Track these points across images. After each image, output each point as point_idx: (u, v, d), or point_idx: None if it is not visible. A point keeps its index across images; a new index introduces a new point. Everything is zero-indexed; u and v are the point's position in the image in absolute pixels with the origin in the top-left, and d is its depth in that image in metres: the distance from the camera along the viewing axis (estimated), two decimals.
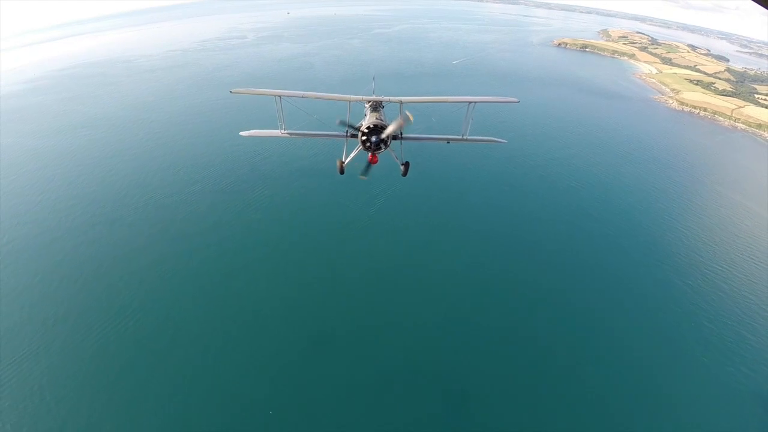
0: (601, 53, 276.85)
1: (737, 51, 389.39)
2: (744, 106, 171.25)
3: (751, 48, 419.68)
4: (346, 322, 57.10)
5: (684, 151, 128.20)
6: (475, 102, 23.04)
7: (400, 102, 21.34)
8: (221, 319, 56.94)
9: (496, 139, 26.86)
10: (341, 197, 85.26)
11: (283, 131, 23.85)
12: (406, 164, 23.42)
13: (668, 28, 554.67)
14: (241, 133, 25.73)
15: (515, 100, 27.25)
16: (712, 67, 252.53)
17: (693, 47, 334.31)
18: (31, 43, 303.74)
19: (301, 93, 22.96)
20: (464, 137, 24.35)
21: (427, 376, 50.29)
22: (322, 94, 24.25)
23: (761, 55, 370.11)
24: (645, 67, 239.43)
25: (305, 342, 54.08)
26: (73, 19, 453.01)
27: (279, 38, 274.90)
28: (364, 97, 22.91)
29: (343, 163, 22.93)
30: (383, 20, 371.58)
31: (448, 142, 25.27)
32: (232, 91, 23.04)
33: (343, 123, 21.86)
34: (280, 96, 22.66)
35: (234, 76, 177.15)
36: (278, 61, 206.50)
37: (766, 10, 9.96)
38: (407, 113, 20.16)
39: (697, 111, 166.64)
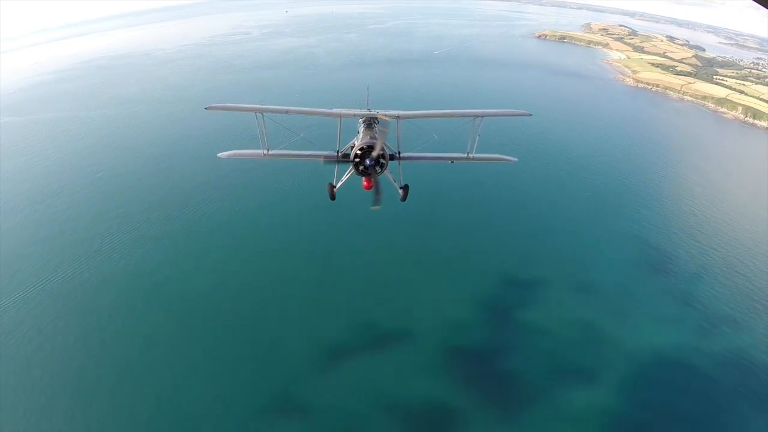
0: (578, 43, 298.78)
1: (719, 43, 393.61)
2: (694, 83, 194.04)
3: (735, 40, 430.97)
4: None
5: (632, 118, 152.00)
6: (482, 116, 21.26)
7: (397, 117, 19.67)
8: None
9: (504, 157, 23.86)
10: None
11: (266, 152, 21.27)
12: (405, 187, 21.39)
13: (657, 22, 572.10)
14: (220, 155, 22.95)
15: (527, 113, 23.90)
16: (680, 53, 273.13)
17: (671, 38, 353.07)
18: (47, 41, 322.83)
19: (284, 108, 21.01)
20: (469, 156, 22.16)
21: None
22: (309, 109, 22.33)
23: (742, 46, 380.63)
24: (615, 55, 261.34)
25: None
26: (78, 20, 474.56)
27: (282, 33, 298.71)
28: (357, 113, 20.86)
29: (334, 187, 20.82)
30: (378, 17, 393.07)
31: (452, 162, 23.00)
32: (207, 107, 20.87)
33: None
34: (261, 112, 20.44)
35: (248, 64, 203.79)
36: (284, 52, 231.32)
37: (765, 9, 9.60)
38: (384, 117, 19.22)
39: (651, 87, 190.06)
